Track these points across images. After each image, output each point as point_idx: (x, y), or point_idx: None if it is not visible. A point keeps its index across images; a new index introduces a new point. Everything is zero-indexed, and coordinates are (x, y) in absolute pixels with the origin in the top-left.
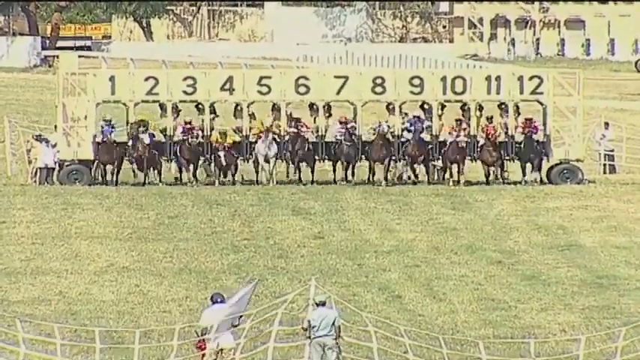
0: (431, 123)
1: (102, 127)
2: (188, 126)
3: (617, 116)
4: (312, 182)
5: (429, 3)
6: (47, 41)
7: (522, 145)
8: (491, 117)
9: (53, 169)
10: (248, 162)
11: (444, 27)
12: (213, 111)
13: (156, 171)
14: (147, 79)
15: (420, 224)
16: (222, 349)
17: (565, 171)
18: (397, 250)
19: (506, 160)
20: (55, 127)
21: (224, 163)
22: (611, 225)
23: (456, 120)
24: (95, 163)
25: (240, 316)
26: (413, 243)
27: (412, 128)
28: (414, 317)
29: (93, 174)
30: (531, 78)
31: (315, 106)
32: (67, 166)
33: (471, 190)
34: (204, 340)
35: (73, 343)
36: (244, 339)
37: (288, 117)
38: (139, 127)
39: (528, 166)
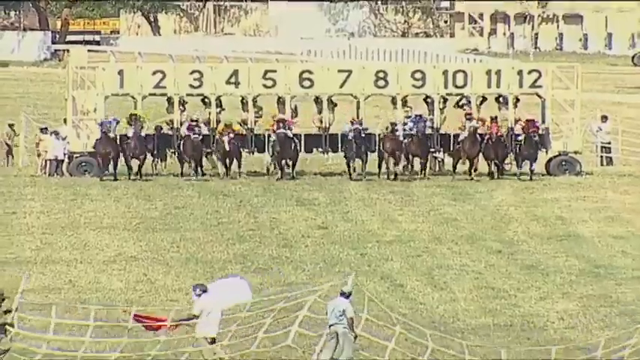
0: (433, 117)
1: (102, 122)
2: (194, 123)
3: (614, 109)
4: (293, 177)
5: None
6: (57, 36)
7: (523, 143)
8: (496, 117)
9: (62, 161)
10: (253, 154)
11: (445, 22)
12: (219, 104)
13: (164, 163)
14: (154, 72)
15: (422, 215)
16: (206, 338)
17: (563, 163)
18: (399, 240)
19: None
20: (65, 120)
21: (227, 149)
22: (608, 216)
23: (466, 114)
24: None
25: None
26: (414, 233)
27: (415, 127)
28: (416, 305)
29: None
30: (530, 72)
31: (319, 100)
32: (76, 157)
33: (472, 182)
34: (159, 320)
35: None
36: (271, 319)
37: (273, 118)
38: (136, 121)
39: (524, 164)
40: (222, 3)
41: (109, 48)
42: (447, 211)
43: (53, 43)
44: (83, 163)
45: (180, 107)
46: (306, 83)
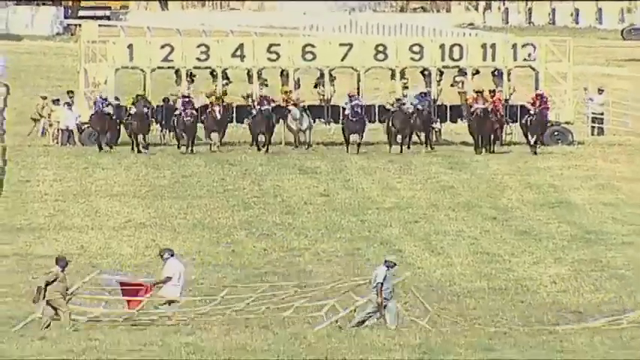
0: (430, 89)
1: (96, 101)
2: (187, 99)
3: (604, 81)
4: (267, 151)
5: None
6: (69, 11)
7: (534, 119)
8: (494, 90)
9: (73, 131)
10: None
11: None
12: (225, 77)
13: (172, 133)
14: (163, 46)
15: (420, 183)
16: (170, 301)
17: (556, 133)
18: (398, 207)
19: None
20: (68, 92)
21: (218, 117)
22: (598, 183)
23: (476, 92)
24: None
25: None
26: (412, 200)
27: (420, 104)
28: (414, 270)
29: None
30: (524, 45)
31: (321, 72)
32: (87, 128)
33: (468, 151)
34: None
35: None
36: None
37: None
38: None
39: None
40: None
41: (119, 23)
42: (443, 179)
43: (65, 17)
44: (94, 133)
45: (188, 79)
46: (309, 56)
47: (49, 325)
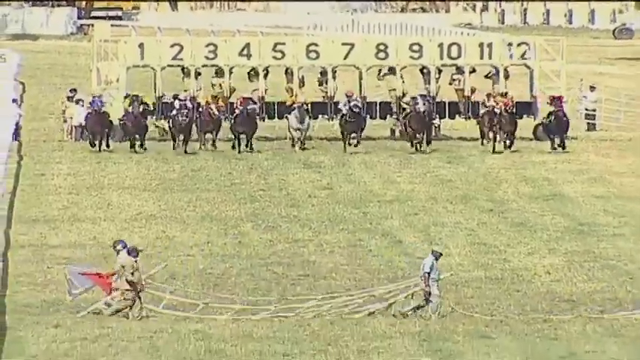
0: (429, 86)
1: (92, 100)
2: (183, 101)
3: (596, 79)
4: (251, 149)
5: None
6: (82, 12)
7: (552, 120)
8: (506, 92)
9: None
10: (264, 120)
11: None
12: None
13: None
14: (172, 45)
15: (419, 176)
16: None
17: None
18: (398, 199)
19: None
20: (70, 90)
21: (214, 117)
22: (591, 177)
23: (487, 94)
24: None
25: None
26: (412, 193)
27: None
28: (414, 260)
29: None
30: (519, 44)
31: (324, 70)
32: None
33: (465, 146)
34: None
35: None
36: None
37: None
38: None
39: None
40: None
41: (131, 23)
42: (442, 173)
43: (79, 18)
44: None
45: (196, 78)
46: (313, 55)
47: (118, 312)
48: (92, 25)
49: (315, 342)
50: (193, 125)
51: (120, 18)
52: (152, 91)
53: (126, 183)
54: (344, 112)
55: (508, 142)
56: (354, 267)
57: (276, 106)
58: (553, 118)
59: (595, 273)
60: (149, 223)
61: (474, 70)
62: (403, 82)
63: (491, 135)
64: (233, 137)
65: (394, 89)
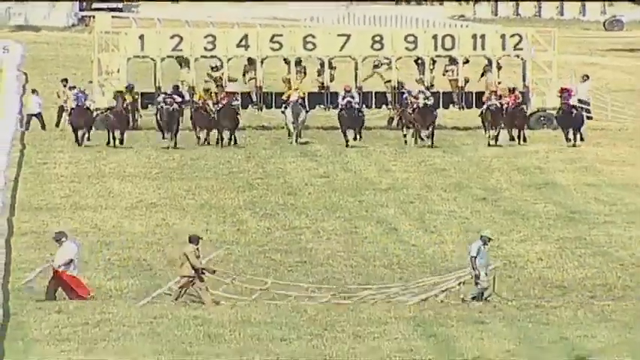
0: (423, 77)
1: (77, 95)
2: (169, 95)
3: (587, 70)
4: (235, 143)
5: None
6: (84, 3)
7: (559, 113)
8: (514, 88)
9: None
10: (261, 110)
11: None
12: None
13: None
14: (172, 36)
15: (414, 165)
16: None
17: (542, 118)
18: (393, 188)
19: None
20: (62, 80)
21: (212, 114)
22: (582, 166)
23: (491, 91)
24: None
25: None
26: (407, 182)
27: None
28: (408, 247)
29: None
30: (512, 36)
31: (321, 61)
32: (101, 113)
33: (459, 135)
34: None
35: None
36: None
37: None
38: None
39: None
40: None
41: (131, 14)
42: (436, 162)
43: (80, 10)
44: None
45: (196, 69)
46: (310, 46)
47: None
48: (93, 17)
49: (312, 327)
50: (181, 118)
51: (120, 10)
52: (152, 82)
53: (127, 171)
54: (341, 106)
55: (522, 136)
56: (350, 254)
57: (273, 96)
58: (560, 110)
59: (586, 259)
60: (149, 211)
61: (467, 61)
62: (397, 68)
63: (491, 131)
64: (217, 132)
65: (389, 80)
